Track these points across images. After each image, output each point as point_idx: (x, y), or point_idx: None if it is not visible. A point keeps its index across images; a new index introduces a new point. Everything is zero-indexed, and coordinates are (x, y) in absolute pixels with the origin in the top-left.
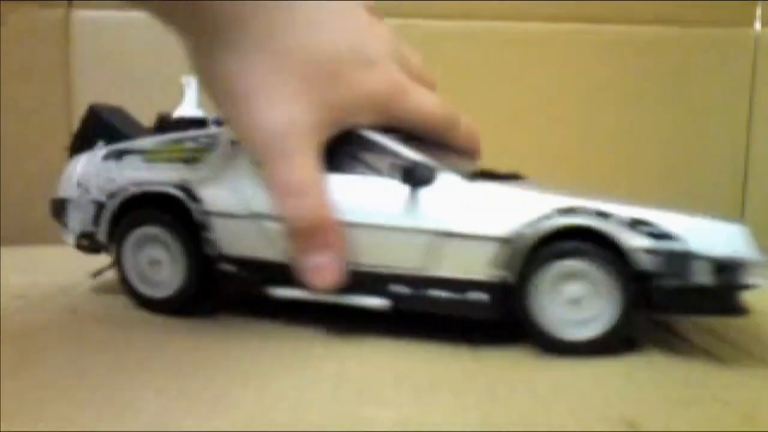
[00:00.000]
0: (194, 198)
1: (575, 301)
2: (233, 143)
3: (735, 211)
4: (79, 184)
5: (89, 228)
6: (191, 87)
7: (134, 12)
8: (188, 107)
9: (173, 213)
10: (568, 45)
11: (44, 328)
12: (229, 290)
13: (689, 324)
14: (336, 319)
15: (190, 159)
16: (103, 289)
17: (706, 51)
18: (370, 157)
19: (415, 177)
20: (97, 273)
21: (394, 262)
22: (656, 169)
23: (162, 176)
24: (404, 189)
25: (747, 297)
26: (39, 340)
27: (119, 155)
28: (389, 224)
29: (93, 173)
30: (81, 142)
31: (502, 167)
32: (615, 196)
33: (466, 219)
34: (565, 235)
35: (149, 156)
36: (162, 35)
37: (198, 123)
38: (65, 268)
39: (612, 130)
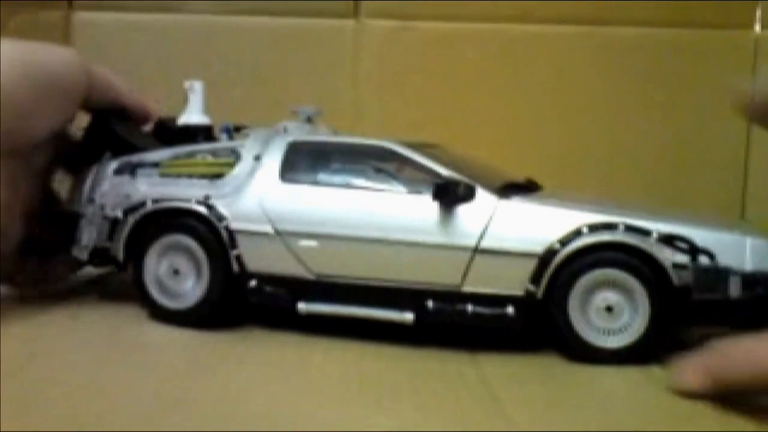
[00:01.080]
0: (218, 215)
1: (607, 311)
2: (257, 158)
3: (735, 211)
4: (90, 200)
5: (103, 244)
6: (195, 91)
7: (135, 14)
8: (193, 113)
9: (196, 229)
10: (568, 47)
11: (45, 332)
12: (256, 305)
13: (697, 335)
14: (336, 327)
15: (213, 174)
16: (104, 296)
17: (706, 53)
18: (406, 174)
19: (450, 194)
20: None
21: (430, 278)
22: (656, 170)
23: (184, 192)
24: (440, 206)
25: None
26: (40, 344)
27: (132, 169)
28: (425, 241)
29: (106, 188)
30: (86, 153)
31: (507, 168)
32: (641, 207)
33: (501, 237)
34: (598, 247)
35: (164, 170)
36: (164, 38)
37: (204, 131)
38: None
39: (612, 131)
